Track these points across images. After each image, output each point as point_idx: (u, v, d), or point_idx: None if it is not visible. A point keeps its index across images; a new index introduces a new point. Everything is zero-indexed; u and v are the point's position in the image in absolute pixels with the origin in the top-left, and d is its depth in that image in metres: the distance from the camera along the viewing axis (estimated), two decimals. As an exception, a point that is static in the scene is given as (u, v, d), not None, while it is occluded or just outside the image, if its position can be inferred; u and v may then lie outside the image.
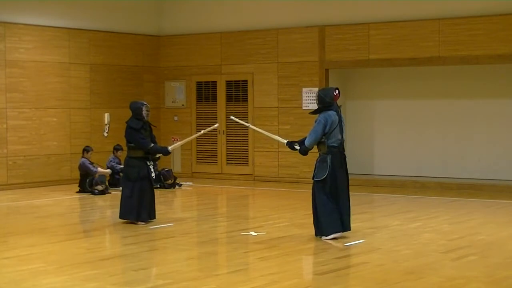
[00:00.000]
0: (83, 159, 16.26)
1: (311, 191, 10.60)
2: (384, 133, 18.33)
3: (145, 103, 12.08)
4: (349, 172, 10.69)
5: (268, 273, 8.46)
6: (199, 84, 19.54)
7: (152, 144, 11.99)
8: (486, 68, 16.87)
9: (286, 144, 10.95)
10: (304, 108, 17.84)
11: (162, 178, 16.94)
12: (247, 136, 18.79)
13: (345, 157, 10.58)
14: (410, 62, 16.94)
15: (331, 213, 10.33)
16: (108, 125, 18.56)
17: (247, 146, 18.79)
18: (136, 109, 11.96)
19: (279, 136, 11.80)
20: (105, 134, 18.52)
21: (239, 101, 18.94)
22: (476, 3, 16.27)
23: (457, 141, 17.39)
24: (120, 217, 12.01)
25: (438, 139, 17.61)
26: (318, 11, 17.86)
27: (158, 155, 12.37)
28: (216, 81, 19.25)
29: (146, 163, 11.94)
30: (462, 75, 17.32)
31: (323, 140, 10.37)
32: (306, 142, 10.51)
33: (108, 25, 18.78)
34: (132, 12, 19.42)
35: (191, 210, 14.55)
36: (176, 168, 19.27)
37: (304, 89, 17.92)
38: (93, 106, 18.44)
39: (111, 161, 16.83)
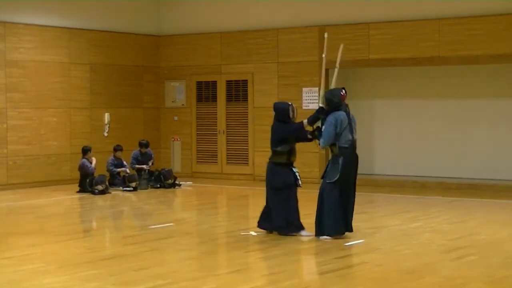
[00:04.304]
0: (84, 159, 16.26)
1: (318, 190, 10.51)
2: (384, 133, 18.33)
3: (290, 103, 10.97)
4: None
5: (268, 273, 8.47)
6: (199, 84, 19.54)
7: (304, 120, 10.69)
8: (486, 68, 16.86)
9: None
10: (304, 108, 17.81)
11: (162, 178, 16.95)
12: (247, 136, 18.79)
13: (357, 157, 10.46)
14: (410, 62, 16.94)
15: (336, 215, 10.28)
16: (108, 125, 18.60)
17: (247, 146, 18.79)
18: (283, 110, 10.89)
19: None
20: (105, 134, 18.54)
21: (239, 101, 18.93)
22: (476, 3, 16.27)
23: (457, 141, 17.38)
24: (260, 227, 10.90)
25: (438, 138, 17.61)
26: (318, 11, 17.86)
27: (317, 122, 10.63)
28: (216, 81, 19.25)
29: (292, 170, 10.80)
30: (462, 75, 17.32)
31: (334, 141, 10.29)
32: (321, 144, 10.40)
33: (108, 25, 18.78)
34: (132, 12, 19.42)
35: (191, 210, 14.54)
36: (176, 168, 19.26)
37: (304, 89, 17.92)
38: (93, 106, 18.44)
39: (110, 163, 16.82)
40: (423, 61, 16.78)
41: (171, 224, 12.01)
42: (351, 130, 10.35)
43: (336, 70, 10.87)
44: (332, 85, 10.90)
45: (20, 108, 17.03)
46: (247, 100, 18.80)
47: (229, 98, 19.08)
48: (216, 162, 19.25)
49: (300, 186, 10.78)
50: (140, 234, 11.09)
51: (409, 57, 16.86)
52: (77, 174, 16.47)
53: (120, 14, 19.13)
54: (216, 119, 19.17)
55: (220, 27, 19.14)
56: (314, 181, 17.64)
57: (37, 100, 17.32)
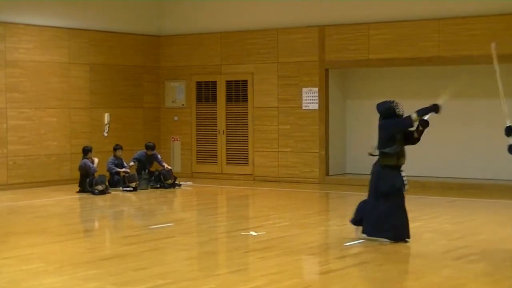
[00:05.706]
0: (85, 159, 16.25)
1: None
2: (384, 133, 18.29)
3: (392, 100, 10.52)
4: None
5: (268, 273, 8.46)
6: (199, 84, 19.54)
7: (413, 114, 10.27)
8: (486, 68, 16.84)
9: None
10: (304, 108, 17.84)
11: (162, 178, 16.95)
12: (247, 136, 18.79)
13: None
14: (410, 62, 16.93)
15: None
16: (108, 125, 18.59)
17: (247, 146, 18.79)
18: (388, 109, 10.39)
19: None
20: (105, 134, 18.54)
21: (239, 101, 18.93)
22: (476, 3, 16.27)
23: (457, 141, 17.37)
24: (370, 234, 10.24)
25: (439, 138, 17.56)
26: (318, 11, 17.86)
27: (426, 118, 10.44)
28: (216, 81, 19.25)
29: (400, 173, 10.25)
30: (462, 75, 17.29)
31: None
32: None
33: (108, 25, 18.77)
34: (132, 12, 19.42)
35: (191, 210, 14.54)
36: (176, 168, 19.25)
37: (304, 89, 17.92)
38: (93, 106, 18.43)
39: (110, 162, 16.81)
40: (423, 61, 16.77)
41: (171, 224, 12.01)
42: None
43: (497, 71, 10.69)
44: (499, 87, 10.77)
45: (20, 108, 17.03)
46: (247, 100, 18.80)
47: (229, 98, 19.08)
48: (216, 162, 19.25)
49: (406, 191, 10.23)
50: (140, 234, 11.09)
51: (409, 57, 16.85)
52: (77, 174, 16.46)
53: (120, 14, 19.12)
54: (216, 119, 19.17)
55: (220, 27, 19.13)
56: (314, 181, 17.66)
57: (37, 100, 17.32)
